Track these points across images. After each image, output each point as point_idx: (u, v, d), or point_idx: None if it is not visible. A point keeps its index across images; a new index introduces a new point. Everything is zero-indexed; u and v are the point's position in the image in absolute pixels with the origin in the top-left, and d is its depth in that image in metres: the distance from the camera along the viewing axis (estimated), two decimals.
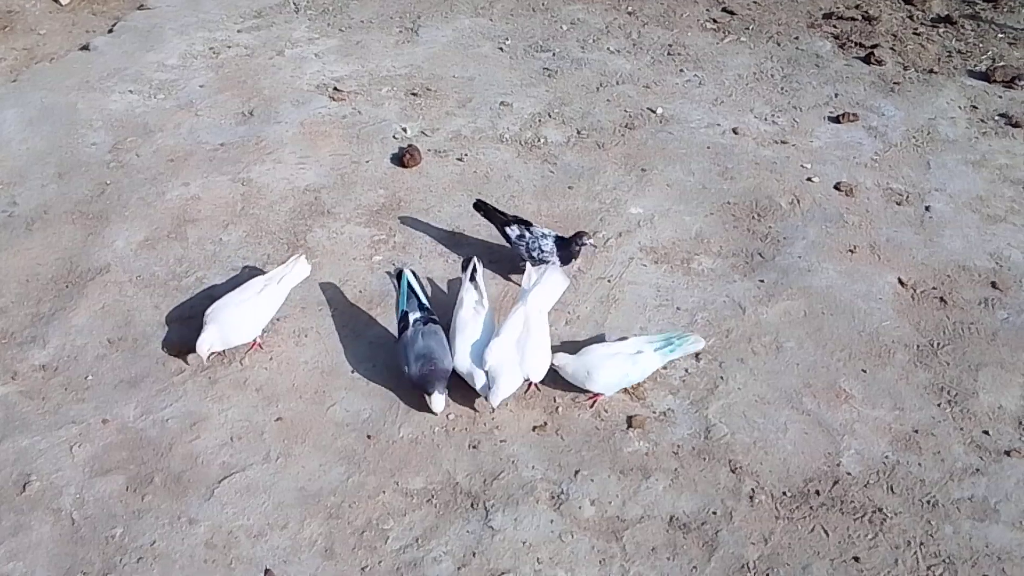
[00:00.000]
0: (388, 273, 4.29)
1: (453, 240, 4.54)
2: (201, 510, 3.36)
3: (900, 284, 4.29)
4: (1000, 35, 6.12)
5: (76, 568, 3.19)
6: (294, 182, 4.89)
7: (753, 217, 4.68)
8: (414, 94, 5.57)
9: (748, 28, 6.27)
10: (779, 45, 6.09)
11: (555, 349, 3.82)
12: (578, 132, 5.27)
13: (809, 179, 4.92)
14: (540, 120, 5.37)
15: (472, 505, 3.39)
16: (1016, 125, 5.29)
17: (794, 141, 5.21)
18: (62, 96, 5.51)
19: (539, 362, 3.71)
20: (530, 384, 3.75)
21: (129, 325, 4.06)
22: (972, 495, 3.42)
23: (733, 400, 3.76)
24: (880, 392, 3.79)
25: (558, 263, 4.14)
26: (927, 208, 4.73)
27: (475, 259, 4.02)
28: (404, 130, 5.27)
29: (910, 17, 6.36)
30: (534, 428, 3.65)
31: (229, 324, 3.80)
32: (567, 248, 4.16)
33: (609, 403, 3.74)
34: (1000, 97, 5.55)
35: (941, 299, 4.21)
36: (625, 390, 3.76)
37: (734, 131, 5.28)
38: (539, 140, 5.21)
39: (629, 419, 3.67)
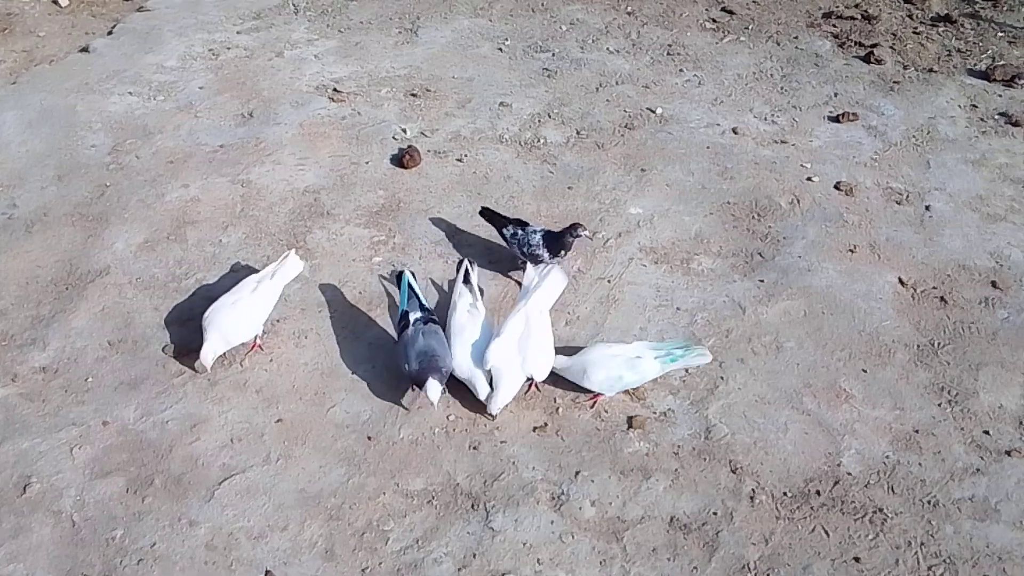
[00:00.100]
0: (382, 276, 4.29)
1: (453, 241, 4.53)
2: (201, 512, 3.36)
3: (900, 284, 4.29)
4: (1000, 34, 6.12)
5: (76, 570, 3.19)
6: (293, 183, 4.89)
7: (753, 217, 4.68)
8: (413, 95, 5.57)
9: (747, 28, 6.27)
10: (779, 45, 6.09)
11: (555, 349, 3.81)
12: (577, 132, 5.27)
13: (809, 179, 4.92)
14: (539, 120, 5.37)
15: (472, 506, 3.39)
16: (1016, 124, 5.29)
17: (794, 141, 5.21)
18: (61, 98, 5.51)
19: (542, 361, 3.71)
20: (531, 384, 3.75)
21: (129, 327, 4.06)
22: (973, 495, 3.41)
23: (733, 400, 3.76)
24: (880, 392, 3.79)
25: (546, 255, 4.13)
26: (927, 207, 4.73)
27: (467, 261, 4.02)
28: (403, 131, 5.27)
29: (910, 16, 6.36)
30: (534, 429, 3.65)
31: (228, 326, 3.81)
32: (558, 240, 4.14)
33: (609, 404, 3.74)
34: (1000, 96, 5.54)
35: (941, 298, 4.21)
36: (625, 391, 3.76)
37: (734, 131, 5.28)
38: (538, 140, 5.21)
39: (629, 420, 3.67)
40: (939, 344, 4.00)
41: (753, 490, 3.43)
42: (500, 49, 6.04)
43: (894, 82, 5.67)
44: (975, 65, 5.82)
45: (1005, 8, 6.36)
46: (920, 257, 4.44)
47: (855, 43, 6.06)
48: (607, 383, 3.68)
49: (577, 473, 3.49)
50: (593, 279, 4.32)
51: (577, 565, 3.21)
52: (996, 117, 5.37)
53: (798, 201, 4.77)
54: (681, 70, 5.84)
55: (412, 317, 3.79)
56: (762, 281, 4.30)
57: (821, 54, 5.97)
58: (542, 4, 6.53)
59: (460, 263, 4.04)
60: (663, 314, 4.14)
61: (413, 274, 4.02)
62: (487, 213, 4.41)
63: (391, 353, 3.88)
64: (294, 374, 3.87)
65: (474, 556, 3.23)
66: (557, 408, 3.73)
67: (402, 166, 4.99)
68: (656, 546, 3.26)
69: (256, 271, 4.24)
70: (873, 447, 3.58)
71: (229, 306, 3.85)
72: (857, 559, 3.22)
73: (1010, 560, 3.21)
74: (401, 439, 3.62)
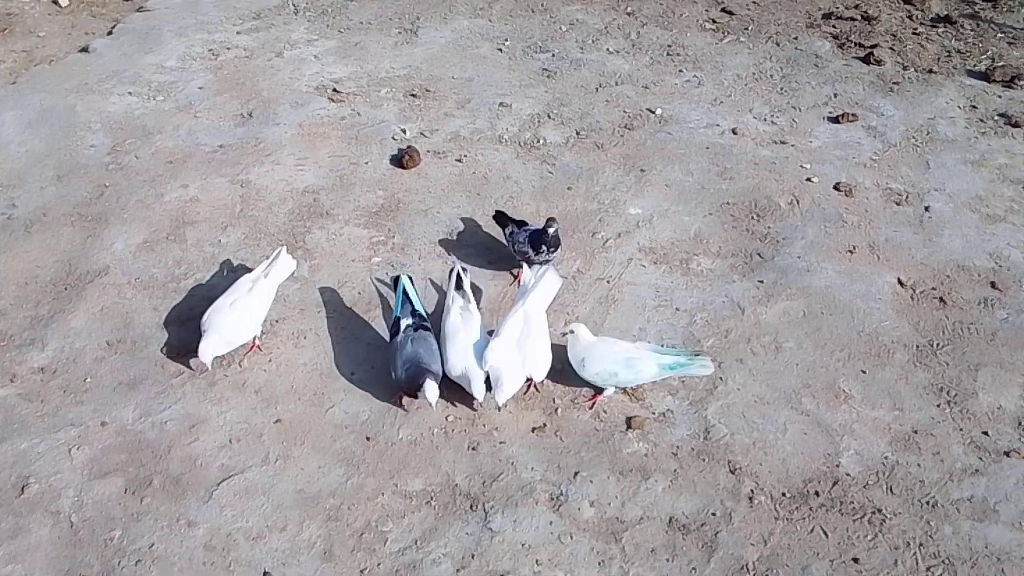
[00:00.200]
0: (378, 279, 4.28)
1: (452, 241, 4.53)
2: (200, 512, 3.36)
3: (899, 284, 4.29)
4: (999, 35, 6.12)
5: (75, 571, 3.19)
6: (293, 184, 4.89)
7: (752, 217, 4.68)
8: (413, 95, 5.57)
9: (747, 28, 6.27)
10: (778, 45, 6.09)
11: (554, 350, 3.81)
12: (577, 133, 5.27)
13: (808, 179, 4.92)
14: (539, 121, 5.37)
15: (471, 507, 3.38)
16: (1015, 125, 5.29)
17: (793, 141, 5.21)
18: (61, 98, 5.51)
19: (541, 361, 3.72)
20: (530, 384, 3.75)
21: (128, 327, 4.06)
22: (971, 495, 3.41)
23: (732, 401, 3.76)
24: (879, 392, 3.79)
25: (531, 252, 4.13)
26: (926, 208, 4.73)
27: (458, 267, 4.01)
28: (403, 131, 5.27)
29: (909, 17, 6.36)
30: (533, 429, 3.65)
31: (226, 327, 3.81)
32: (539, 238, 4.13)
33: (608, 404, 3.74)
34: (999, 97, 5.54)
35: (940, 299, 4.21)
36: (624, 391, 3.76)
37: (733, 131, 5.27)
38: (538, 141, 5.21)
39: (628, 420, 3.67)
40: (938, 345, 4.00)
41: (752, 491, 3.43)
42: (500, 49, 6.04)
43: (894, 83, 5.67)
44: (975, 66, 5.81)
45: (1005, 9, 6.36)
46: (919, 258, 4.44)
47: (855, 44, 6.06)
48: (600, 376, 3.68)
49: (576, 474, 3.49)
50: (592, 279, 4.32)
51: (576, 566, 3.21)
52: (996, 118, 5.37)
53: (797, 201, 4.77)
54: (681, 70, 5.84)
55: (403, 324, 3.79)
56: (761, 281, 4.30)
57: (821, 55, 5.97)
58: (542, 4, 6.53)
59: (451, 270, 4.03)
60: (662, 314, 4.14)
61: (410, 279, 4.02)
62: (498, 216, 4.43)
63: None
64: (293, 374, 3.87)
65: (473, 557, 3.23)
66: (556, 409, 3.73)
67: (401, 166, 4.99)
68: (655, 547, 3.26)
69: (250, 270, 4.24)
70: (872, 448, 3.58)
71: (227, 307, 3.85)
72: (856, 560, 3.22)
73: (1009, 561, 3.21)
74: (400, 439, 3.62)
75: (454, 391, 3.74)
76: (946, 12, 6.34)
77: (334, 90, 5.60)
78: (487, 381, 3.67)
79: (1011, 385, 3.82)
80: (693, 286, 4.28)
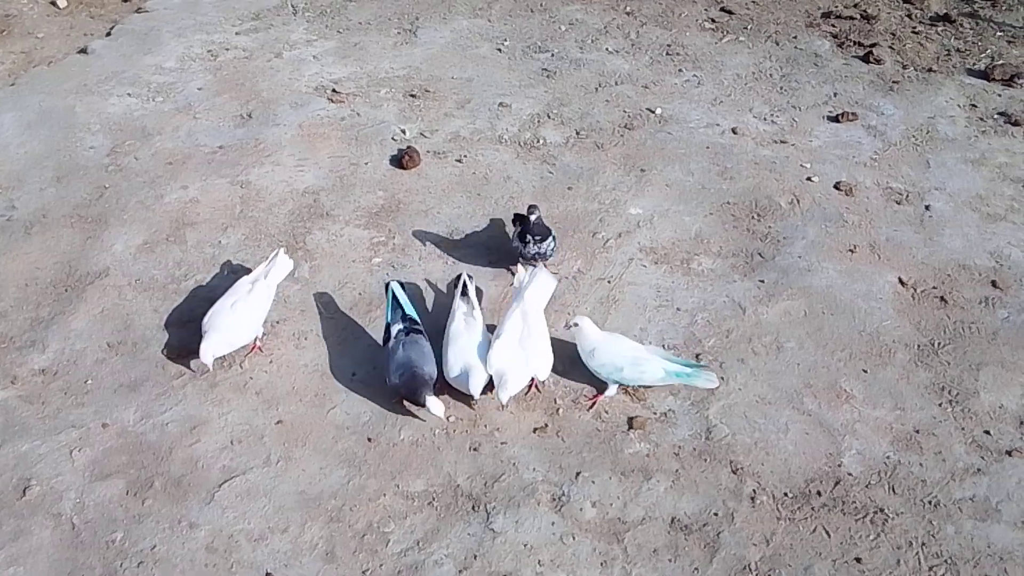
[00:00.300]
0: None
1: (452, 241, 4.53)
2: (201, 514, 3.36)
3: (900, 283, 4.29)
4: (999, 33, 6.12)
5: (76, 573, 3.18)
6: (293, 184, 4.88)
7: (753, 217, 4.67)
8: (413, 95, 5.57)
9: (747, 27, 6.26)
10: (778, 44, 6.09)
11: (555, 351, 3.81)
12: (577, 133, 5.27)
13: (809, 179, 4.91)
14: (539, 121, 5.37)
15: (473, 507, 3.38)
16: (1015, 123, 5.29)
17: (793, 141, 5.21)
18: (60, 99, 5.50)
19: (544, 360, 3.73)
20: (531, 385, 3.75)
21: (128, 329, 4.06)
22: (974, 495, 3.41)
23: (734, 401, 3.76)
24: (881, 392, 3.79)
25: (520, 246, 4.15)
26: (927, 207, 4.73)
27: (465, 275, 4.01)
28: (403, 132, 5.26)
29: (909, 16, 6.35)
30: (535, 430, 3.65)
31: (227, 328, 3.80)
32: (523, 229, 4.14)
33: (610, 404, 3.73)
34: (999, 95, 5.54)
35: (941, 298, 4.21)
36: (625, 391, 3.76)
37: (733, 131, 5.27)
38: (538, 141, 5.20)
39: (630, 420, 3.67)
40: (939, 344, 4.00)
41: (754, 491, 3.43)
42: (499, 49, 6.04)
43: (893, 82, 5.67)
44: (974, 65, 5.81)
45: (1004, 8, 6.35)
46: (920, 257, 4.44)
47: (854, 43, 6.06)
48: (606, 368, 3.69)
49: (578, 474, 3.49)
50: (593, 280, 4.31)
51: (578, 566, 3.21)
52: (995, 116, 5.37)
53: (798, 201, 4.77)
54: (680, 70, 5.84)
55: (394, 329, 3.78)
56: (762, 281, 4.29)
57: (820, 54, 5.97)
58: (541, 4, 6.52)
59: (458, 277, 4.02)
60: (663, 314, 4.13)
61: (401, 284, 4.00)
62: (516, 218, 4.44)
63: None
64: (294, 376, 3.87)
65: (475, 558, 3.23)
66: (557, 409, 3.73)
67: (401, 167, 4.99)
68: (657, 547, 3.26)
69: (248, 271, 4.23)
70: (874, 447, 3.58)
71: (228, 309, 3.85)
72: (858, 559, 3.22)
73: (1011, 560, 3.21)
74: (401, 440, 3.61)
75: (455, 393, 3.74)
76: (945, 11, 6.33)
77: (334, 91, 5.60)
78: (489, 383, 3.67)
79: (1013, 384, 3.82)
80: (694, 286, 4.28)
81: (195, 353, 3.80)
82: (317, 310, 4.16)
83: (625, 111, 5.44)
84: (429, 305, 4.19)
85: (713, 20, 6.36)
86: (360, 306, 4.18)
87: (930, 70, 5.77)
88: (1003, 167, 5.00)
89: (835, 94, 5.59)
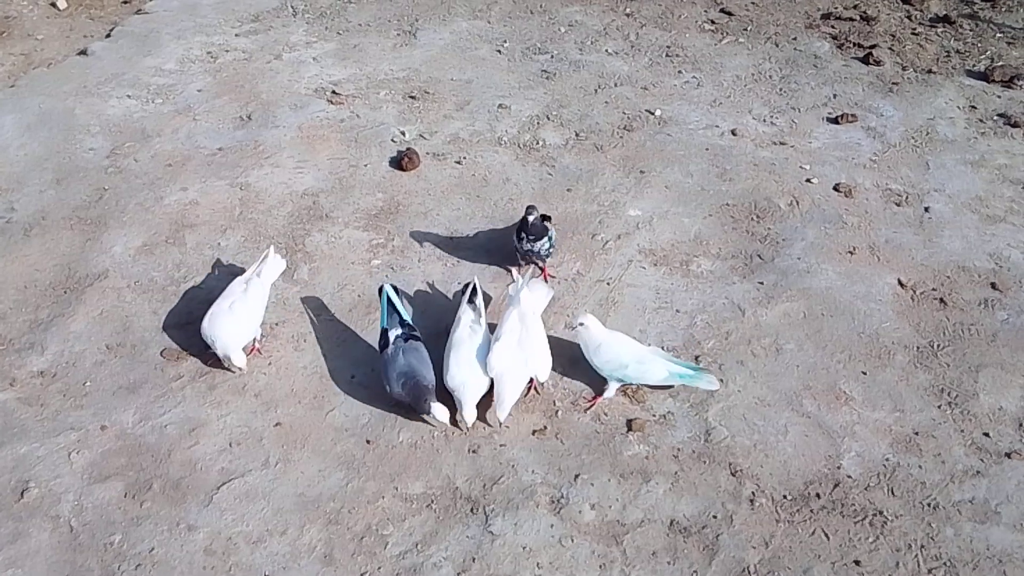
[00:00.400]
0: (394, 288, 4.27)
1: (452, 243, 4.53)
2: (200, 516, 3.35)
3: (900, 285, 4.28)
4: (999, 35, 6.12)
5: (75, 575, 3.18)
6: (292, 186, 4.88)
7: (752, 219, 4.67)
8: (412, 97, 5.57)
9: (746, 29, 6.26)
10: (777, 46, 6.09)
11: (554, 352, 3.81)
12: (576, 134, 5.26)
13: (808, 180, 4.91)
14: (538, 122, 5.37)
15: (472, 510, 3.38)
16: (1015, 125, 5.28)
17: (793, 142, 5.21)
18: (60, 101, 5.51)
19: (543, 361, 3.72)
20: (531, 386, 3.75)
21: (127, 331, 4.06)
22: (973, 497, 3.41)
23: (733, 403, 3.75)
24: (880, 394, 3.79)
25: (515, 242, 4.17)
26: (926, 209, 4.73)
27: (475, 281, 4.00)
28: (402, 133, 5.26)
29: (908, 17, 6.35)
30: (534, 432, 3.64)
31: (230, 331, 3.80)
32: (520, 228, 4.15)
33: (609, 406, 3.73)
34: (999, 97, 5.54)
35: (941, 300, 4.20)
36: (624, 393, 3.75)
37: (732, 132, 5.27)
38: (537, 142, 5.20)
39: (629, 422, 3.66)
40: (939, 346, 3.99)
41: (753, 493, 3.43)
42: (499, 51, 6.04)
43: (893, 83, 5.67)
44: (974, 66, 5.81)
45: (1004, 9, 6.35)
46: (919, 258, 4.43)
47: (854, 44, 6.05)
48: (610, 365, 3.69)
49: (577, 476, 3.48)
50: (592, 281, 4.31)
51: (577, 569, 3.20)
52: (995, 118, 5.36)
53: (797, 203, 4.76)
54: (680, 71, 5.83)
55: (392, 335, 3.75)
56: (761, 283, 4.29)
57: (820, 55, 5.97)
58: (540, 6, 6.52)
59: (467, 283, 4.01)
60: (662, 316, 4.13)
61: (395, 288, 3.96)
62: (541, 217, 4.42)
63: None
64: (293, 378, 3.87)
65: (473, 560, 3.23)
66: (556, 411, 3.72)
67: (401, 168, 4.98)
68: (656, 549, 3.26)
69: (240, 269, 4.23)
70: (873, 449, 3.57)
71: (227, 311, 3.84)
72: (857, 562, 3.22)
73: (1010, 562, 3.21)
74: (400, 443, 3.61)
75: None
76: (945, 12, 6.34)
77: (333, 92, 5.60)
78: (490, 392, 3.67)
79: (1012, 386, 3.81)
80: (693, 288, 4.28)
81: (196, 355, 3.80)
82: (316, 312, 4.15)
83: (624, 113, 5.43)
84: (428, 307, 4.19)
85: (713, 21, 6.36)
86: (359, 308, 4.18)
87: (930, 71, 5.77)
88: (1003, 169, 5.00)
89: (834, 95, 5.59)
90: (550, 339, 3.85)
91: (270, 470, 3.51)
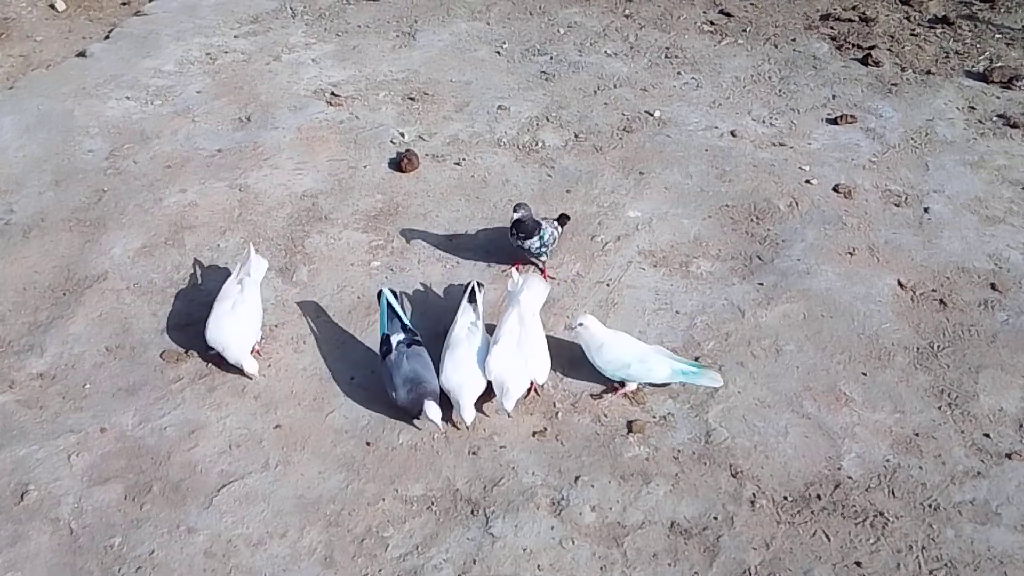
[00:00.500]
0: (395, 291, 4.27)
1: (451, 245, 4.53)
2: (200, 519, 3.35)
3: (899, 286, 4.28)
4: (997, 35, 6.12)
5: None
6: (291, 188, 4.88)
7: (751, 220, 4.67)
8: (411, 99, 5.57)
9: (745, 30, 6.26)
10: (776, 47, 6.09)
11: (553, 353, 3.81)
12: (576, 136, 5.26)
13: (807, 181, 4.91)
14: (538, 124, 5.37)
15: (472, 512, 3.38)
16: (1014, 126, 5.29)
17: (792, 143, 5.21)
18: (59, 103, 5.50)
19: (542, 363, 3.72)
20: (531, 388, 3.75)
21: (127, 333, 4.05)
22: (973, 498, 3.41)
23: (733, 404, 3.75)
24: (880, 395, 3.78)
25: (510, 239, 4.19)
26: (926, 210, 4.73)
27: (475, 283, 4.00)
28: (402, 135, 5.26)
29: (907, 18, 6.36)
30: (534, 434, 3.64)
31: (237, 334, 3.79)
32: (512, 225, 4.18)
33: (609, 408, 3.73)
34: (998, 98, 5.54)
35: (941, 301, 4.21)
36: (624, 394, 3.75)
37: (732, 133, 5.27)
38: (537, 144, 5.20)
39: (629, 424, 3.66)
40: (939, 347, 3.99)
41: (754, 494, 3.43)
42: (498, 52, 6.04)
43: (892, 84, 5.67)
44: (973, 67, 5.82)
45: (1003, 10, 6.36)
46: (919, 259, 4.43)
47: (853, 45, 6.06)
48: (613, 365, 3.68)
49: (577, 478, 3.48)
50: (592, 282, 4.31)
51: (577, 571, 3.20)
52: (994, 119, 5.37)
53: (797, 204, 4.76)
54: (679, 73, 5.84)
55: (394, 340, 3.72)
56: (761, 284, 4.29)
57: (819, 56, 5.97)
58: (540, 7, 6.52)
59: (468, 284, 4.00)
60: (662, 317, 4.13)
61: (394, 292, 3.95)
62: (560, 218, 4.45)
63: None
64: (292, 380, 3.86)
65: (474, 562, 3.22)
66: (556, 413, 3.72)
67: (400, 170, 4.98)
68: (657, 551, 3.25)
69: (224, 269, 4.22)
70: (873, 451, 3.57)
71: (230, 314, 3.83)
72: (858, 563, 3.21)
73: (1011, 563, 3.20)
74: (400, 444, 3.61)
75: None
76: (944, 13, 6.34)
77: (332, 94, 5.60)
78: (488, 391, 3.66)
79: (1012, 387, 3.81)
80: (693, 289, 4.28)
81: (195, 357, 3.81)
82: (316, 313, 4.15)
83: (624, 114, 5.43)
84: (428, 309, 4.18)
85: (712, 23, 6.36)
86: (359, 310, 4.17)
87: (929, 72, 5.77)
88: (1002, 169, 5.00)
89: (834, 96, 5.59)
90: (550, 340, 3.85)
91: (270, 472, 3.50)
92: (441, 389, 3.65)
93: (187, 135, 5.26)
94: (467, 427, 3.62)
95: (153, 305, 4.18)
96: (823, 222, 4.64)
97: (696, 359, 3.90)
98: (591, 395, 3.72)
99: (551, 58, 5.97)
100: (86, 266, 4.39)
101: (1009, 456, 3.55)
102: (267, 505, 3.39)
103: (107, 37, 6.22)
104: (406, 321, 3.84)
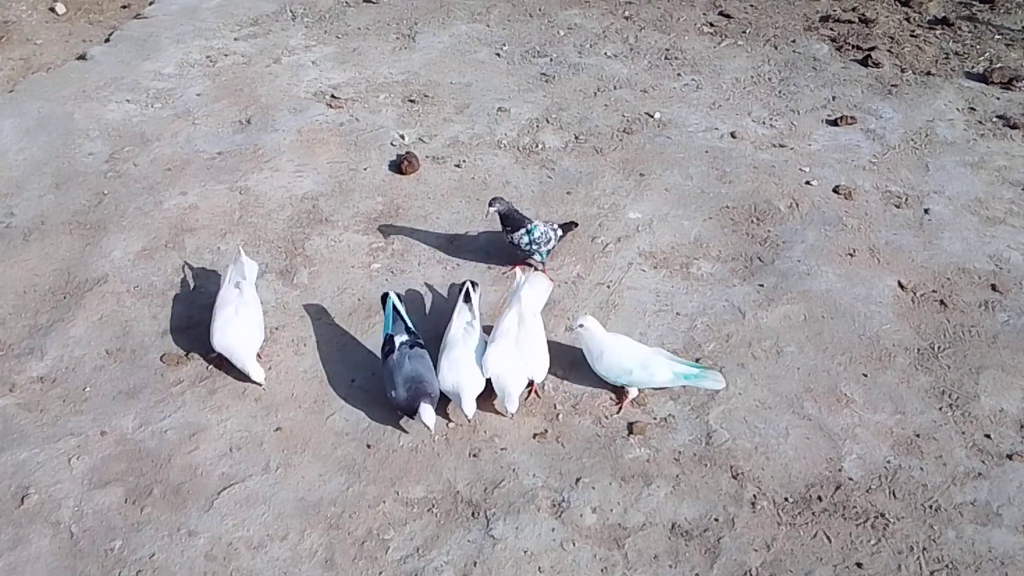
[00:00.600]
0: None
1: (452, 247, 4.53)
2: (200, 521, 3.35)
3: (900, 287, 4.28)
4: (997, 36, 6.12)
5: None
6: (292, 190, 4.88)
7: (752, 221, 4.67)
8: (411, 101, 5.57)
9: (745, 31, 6.27)
10: (776, 48, 6.09)
11: (554, 355, 3.81)
12: (576, 137, 5.26)
13: (807, 182, 4.91)
14: (538, 125, 5.37)
15: (473, 514, 3.37)
16: (1014, 126, 5.29)
17: (792, 144, 5.21)
18: (59, 106, 5.51)
19: (540, 362, 3.72)
20: (531, 390, 3.74)
21: (127, 336, 4.05)
22: (974, 499, 3.40)
23: (734, 405, 3.75)
24: (881, 396, 3.78)
25: (505, 236, 4.22)
26: (926, 211, 4.73)
27: (469, 283, 4.00)
28: (402, 137, 5.26)
29: (907, 19, 6.36)
30: (534, 435, 3.64)
31: (243, 338, 3.79)
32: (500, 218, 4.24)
33: (610, 410, 3.72)
34: (998, 98, 5.54)
35: (941, 302, 4.20)
36: (632, 401, 3.75)
37: (732, 135, 5.27)
38: (537, 146, 5.20)
39: (630, 425, 3.66)
40: (939, 348, 3.99)
41: (755, 496, 3.42)
42: (498, 54, 6.04)
43: (892, 85, 5.67)
44: (973, 68, 5.81)
45: (1002, 11, 6.36)
46: (920, 260, 4.43)
47: (853, 46, 6.06)
48: (614, 372, 3.68)
49: (578, 480, 3.48)
50: (592, 284, 4.31)
51: (578, 573, 3.20)
52: (994, 120, 5.37)
53: (797, 205, 4.76)
54: (679, 74, 5.84)
55: (398, 341, 3.72)
56: (762, 285, 4.29)
57: (819, 57, 5.97)
58: (539, 9, 6.53)
59: (462, 284, 4.01)
60: (663, 319, 4.13)
61: (399, 295, 3.96)
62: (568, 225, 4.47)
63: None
64: (293, 382, 3.86)
65: (475, 564, 3.22)
66: (557, 415, 3.72)
67: (400, 172, 4.98)
68: (658, 553, 3.25)
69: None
70: (874, 452, 3.57)
71: (234, 318, 3.82)
72: (859, 565, 3.21)
73: (1013, 565, 3.20)
74: (401, 447, 3.60)
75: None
76: (943, 14, 6.34)
77: (332, 96, 5.60)
78: (487, 390, 3.66)
79: (1013, 388, 3.81)
80: (693, 290, 4.27)
81: (197, 358, 3.81)
82: (316, 315, 4.15)
83: (624, 115, 5.43)
84: (428, 311, 4.19)
85: (711, 24, 6.36)
86: (359, 312, 4.17)
87: (929, 73, 5.77)
88: (1002, 170, 5.00)
89: (834, 98, 5.59)
90: (550, 343, 3.85)
91: (271, 475, 3.50)
92: (441, 390, 3.65)
93: (187, 138, 5.26)
94: (468, 421, 3.62)
95: (153, 308, 4.18)
96: (823, 223, 4.64)
97: (697, 360, 3.89)
98: (616, 413, 3.70)
99: (551, 60, 5.97)
100: (86, 269, 4.39)
101: (1010, 457, 3.54)
102: (268, 508, 3.39)
103: (107, 40, 6.22)
104: (410, 326, 3.83)
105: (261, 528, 3.33)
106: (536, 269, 4.31)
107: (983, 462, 3.53)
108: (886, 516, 3.35)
